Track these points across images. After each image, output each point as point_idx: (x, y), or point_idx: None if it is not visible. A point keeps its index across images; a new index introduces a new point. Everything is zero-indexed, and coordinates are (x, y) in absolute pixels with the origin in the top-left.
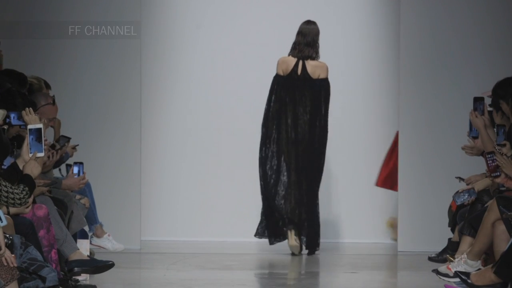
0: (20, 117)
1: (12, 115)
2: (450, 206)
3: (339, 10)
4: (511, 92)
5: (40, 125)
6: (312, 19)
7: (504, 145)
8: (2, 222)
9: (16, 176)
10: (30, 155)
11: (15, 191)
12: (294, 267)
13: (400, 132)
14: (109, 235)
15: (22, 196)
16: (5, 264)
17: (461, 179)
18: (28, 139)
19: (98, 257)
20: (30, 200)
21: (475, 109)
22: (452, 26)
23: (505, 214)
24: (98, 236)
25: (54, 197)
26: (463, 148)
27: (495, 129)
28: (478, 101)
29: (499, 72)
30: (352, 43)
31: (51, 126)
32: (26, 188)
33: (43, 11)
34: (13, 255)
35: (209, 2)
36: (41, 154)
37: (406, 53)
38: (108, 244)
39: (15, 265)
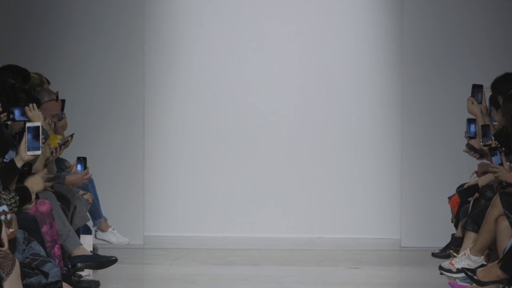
0: (23, 113)
1: (15, 111)
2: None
3: (343, 6)
4: (510, 87)
5: (38, 123)
6: (316, 14)
7: (490, 145)
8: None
9: (14, 174)
10: (29, 153)
11: (3, 196)
12: (296, 262)
13: (404, 127)
14: (113, 229)
15: (9, 203)
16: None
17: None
18: (26, 137)
19: (101, 252)
20: (33, 196)
21: (472, 96)
22: (456, 18)
23: (510, 219)
24: (102, 230)
25: (57, 192)
26: (465, 151)
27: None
28: (476, 88)
29: (504, 64)
30: (356, 34)
31: (53, 122)
32: (17, 198)
33: (46, 7)
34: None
35: (212, 1)
36: (38, 152)
37: (410, 45)
38: (113, 238)
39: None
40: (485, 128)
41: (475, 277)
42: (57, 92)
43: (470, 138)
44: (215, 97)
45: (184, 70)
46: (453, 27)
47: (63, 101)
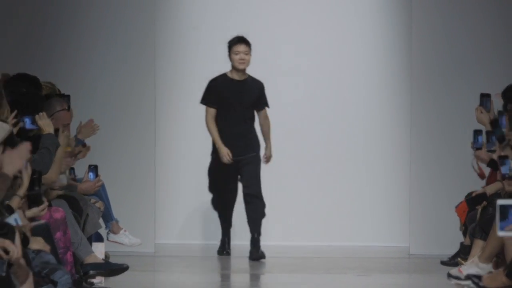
0: (33, 122)
1: (26, 119)
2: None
3: (351, 15)
4: None
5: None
6: (323, 23)
7: (494, 151)
8: (19, 224)
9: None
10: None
11: None
12: (305, 269)
13: (412, 135)
14: (125, 231)
15: None
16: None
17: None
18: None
19: (113, 260)
20: (45, 203)
21: (481, 105)
22: (463, 25)
23: None
24: (114, 233)
25: (69, 195)
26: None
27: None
28: (484, 97)
29: (510, 70)
30: (364, 44)
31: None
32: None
33: (58, 15)
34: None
35: (225, 5)
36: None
37: (418, 55)
38: (125, 239)
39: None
40: (489, 134)
41: (481, 283)
42: (69, 101)
43: (477, 149)
44: None
45: (196, 77)
46: (461, 36)
47: (67, 96)
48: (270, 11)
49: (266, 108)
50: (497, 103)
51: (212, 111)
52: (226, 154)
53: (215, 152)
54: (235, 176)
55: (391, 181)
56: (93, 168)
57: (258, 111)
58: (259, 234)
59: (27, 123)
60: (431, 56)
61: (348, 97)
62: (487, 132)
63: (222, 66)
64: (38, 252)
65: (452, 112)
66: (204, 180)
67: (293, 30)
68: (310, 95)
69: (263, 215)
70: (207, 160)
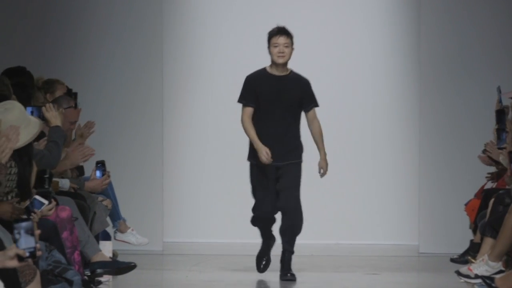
0: (40, 114)
1: (29, 110)
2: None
3: (360, 15)
4: None
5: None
6: (332, 23)
7: (505, 148)
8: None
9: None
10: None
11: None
12: (314, 268)
13: (421, 134)
14: (132, 230)
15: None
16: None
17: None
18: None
19: (120, 258)
20: (53, 202)
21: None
22: (471, 24)
23: None
24: (121, 232)
25: (76, 193)
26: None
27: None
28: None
29: None
30: (373, 43)
31: (72, 129)
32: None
33: (66, 13)
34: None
35: (231, 4)
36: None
37: (427, 54)
38: (132, 238)
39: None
40: (499, 131)
41: (493, 284)
42: (76, 99)
43: (500, 148)
44: (234, 102)
45: (203, 74)
46: (469, 35)
47: (75, 93)
48: (276, 11)
49: (315, 108)
50: (505, 101)
51: (249, 110)
52: (264, 154)
53: (252, 157)
54: (274, 183)
55: (400, 179)
56: (100, 166)
57: (305, 112)
58: (291, 252)
59: (34, 114)
60: (440, 56)
61: (356, 96)
62: (498, 130)
63: (228, 65)
64: (50, 250)
65: (460, 111)
66: (212, 179)
67: (300, 30)
68: (318, 94)
69: (298, 230)
70: (215, 158)
